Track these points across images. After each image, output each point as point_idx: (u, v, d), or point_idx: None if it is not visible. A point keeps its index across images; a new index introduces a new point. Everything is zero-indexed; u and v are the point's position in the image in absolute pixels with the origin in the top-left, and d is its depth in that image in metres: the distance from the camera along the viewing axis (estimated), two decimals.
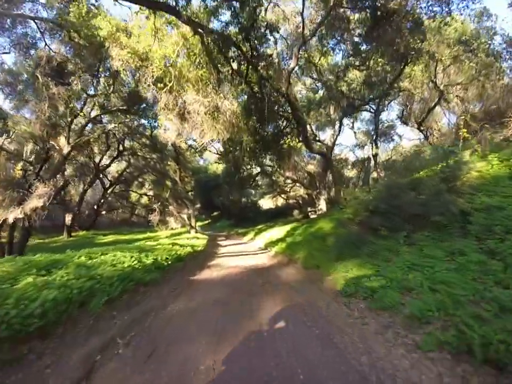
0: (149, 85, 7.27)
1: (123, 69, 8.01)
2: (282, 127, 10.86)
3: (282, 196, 27.47)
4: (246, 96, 8.88)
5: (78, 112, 13.38)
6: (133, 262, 4.96)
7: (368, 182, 27.60)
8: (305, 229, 11.94)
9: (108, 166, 22.61)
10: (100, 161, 21.67)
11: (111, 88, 12.24)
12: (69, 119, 12.92)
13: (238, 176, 23.17)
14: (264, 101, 8.07)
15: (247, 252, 11.04)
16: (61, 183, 12.81)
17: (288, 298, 4.28)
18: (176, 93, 7.80)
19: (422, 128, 18.84)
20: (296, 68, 10.77)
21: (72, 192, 36.40)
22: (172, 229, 25.21)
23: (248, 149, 10.84)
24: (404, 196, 5.43)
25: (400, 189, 5.65)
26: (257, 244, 14.48)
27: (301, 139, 11.58)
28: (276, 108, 9.52)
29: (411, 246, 4.83)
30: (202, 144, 8.78)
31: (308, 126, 17.33)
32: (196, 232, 15.90)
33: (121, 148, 22.42)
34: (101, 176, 24.86)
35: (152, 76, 7.13)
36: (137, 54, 7.97)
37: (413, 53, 10.63)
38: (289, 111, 9.80)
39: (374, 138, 15.32)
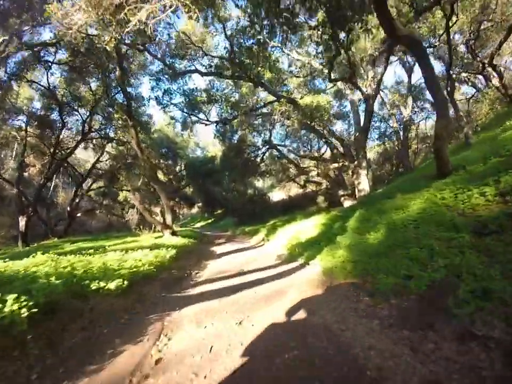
0: None
1: None
2: None
3: (298, 180, 21.78)
4: None
5: None
6: None
7: (407, 158, 21.52)
8: (364, 216, 6.26)
9: (70, 153, 17.30)
10: (56, 145, 16.37)
11: None
12: None
13: (241, 159, 17.57)
14: None
15: (259, 268, 5.45)
16: None
17: None
18: None
19: (494, 62, 12.85)
20: None
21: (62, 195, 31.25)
22: (159, 231, 19.89)
23: None
24: None
25: None
26: (274, 248, 8.90)
27: None
28: None
29: None
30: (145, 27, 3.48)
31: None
32: (174, 234, 10.45)
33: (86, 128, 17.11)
34: (67, 167, 19.65)
35: None
36: None
37: None
38: None
39: (448, 67, 9.38)
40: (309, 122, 12.70)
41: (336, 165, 12.31)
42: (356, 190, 12.57)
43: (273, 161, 21.53)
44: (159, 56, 11.13)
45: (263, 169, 21.69)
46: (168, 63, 11.45)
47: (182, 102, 12.80)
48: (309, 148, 24.72)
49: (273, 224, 15.16)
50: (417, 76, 24.23)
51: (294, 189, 29.90)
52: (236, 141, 19.09)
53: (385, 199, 6.75)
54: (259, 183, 30.15)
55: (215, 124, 14.53)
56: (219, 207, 37.92)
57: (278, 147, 19.37)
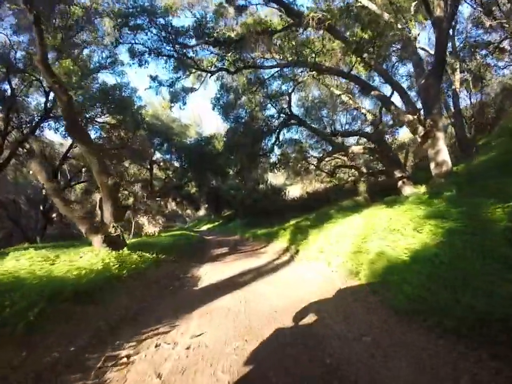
0: None
1: None
2: None
3: (324, 168, 17.10)
4: None
5: None
6: None
7: (465, 133, 16.32)
8: None
9: (26, 137, 13.10)
10: (7, 121, 12.17)
11: None
12: None
13: (250, 135, 12.98)
14: None
15: None
16: None
17: None
18: None
19: None
20: None
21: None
22: (147, 234, 15.60)
23: None
24: None
25: None
26: (318, 269, 4.26)
27: None
28: None
29: None
30: None
31: None
32: (113, 244, 5.29)
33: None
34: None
35: None
36: None
37: None
38: None
39: None
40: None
41: (410, 117, 7.46)
42: (432, 164, 7.70)
43: (291, 145, 16.88)
44: None
45: (278, 155, 17.00)
46: None
47: (160, 38, 8.41)
48: (333, 129, 20.05)
49: (297, 224, 10.53)
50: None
51: (313, 183, 25.26)
52: (241, 116, 14.66)
53: None
54: (271, 177, 25.59)
55: (209, 75, 10.08)
56: (227, 207, 33.53)
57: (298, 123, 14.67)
